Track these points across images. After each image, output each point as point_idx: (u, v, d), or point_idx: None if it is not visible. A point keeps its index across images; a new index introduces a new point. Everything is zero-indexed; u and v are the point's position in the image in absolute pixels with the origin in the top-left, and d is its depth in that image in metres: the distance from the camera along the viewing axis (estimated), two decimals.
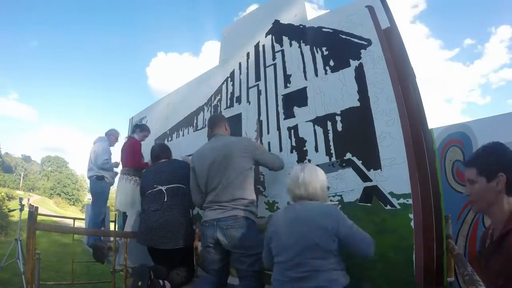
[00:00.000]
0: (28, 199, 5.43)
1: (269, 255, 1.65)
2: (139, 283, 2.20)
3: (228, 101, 3.13)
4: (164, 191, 2.38)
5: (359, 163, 2.02)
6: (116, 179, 3.97)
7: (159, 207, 2.35)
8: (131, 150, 3.49)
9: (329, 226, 1.44)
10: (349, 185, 2.04)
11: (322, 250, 1.44)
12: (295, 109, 2.46)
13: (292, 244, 1.49)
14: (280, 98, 2.61)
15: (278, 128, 2.55)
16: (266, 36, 2.89)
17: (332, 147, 2.18)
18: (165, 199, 2.36)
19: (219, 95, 3.27)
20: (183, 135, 3.69)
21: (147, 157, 3.41)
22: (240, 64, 3.11)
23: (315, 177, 1.64)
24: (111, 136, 4.49)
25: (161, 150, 2.75)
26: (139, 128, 3.76)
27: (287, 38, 2.69)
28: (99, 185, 4.15)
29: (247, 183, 2.06)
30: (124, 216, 3.64)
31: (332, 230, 1.44)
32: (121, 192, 3.33)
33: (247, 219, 1.99)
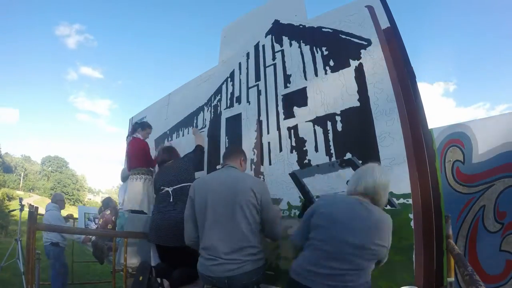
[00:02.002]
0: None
1: (306, 233, 1.58)
2: (140, 278, 2.25)
3: (228, 101, 3.13)
4: (170, 192, 2.50)
5: (359, 163, 2.02)
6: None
7: (166, 207, 2.49)
8: (143, 153, 3.40)
9: (387, 240, 1.48)
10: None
11: (372, 255, 1.45)
12: (295, 109, 2.46)
13: (344, 239, 1.43)
14: (280, 98, 2.61)
15: (278, 128, 2.55)
16: (266, 36, 2.89)
17: (332, 147, 2.18)
18: (171, 199, 2.49)
19: (219, 95, 3.27)
20: (183, 135, 3.69)
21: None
22: (240, 64, 3.11)
23: (387, 182, 1.56)
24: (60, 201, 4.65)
25: (165, 154, 2.82)
26: (140, 126, 3.67)
27: (287, 38, 2.70)
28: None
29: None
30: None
31: (385, 242, 1.47)
32: (134, 191, 3.29)
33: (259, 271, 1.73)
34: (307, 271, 1.46)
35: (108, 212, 4.48)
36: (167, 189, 2.52)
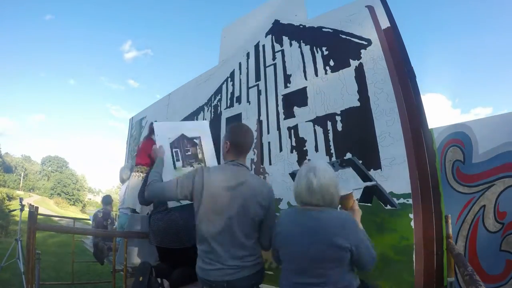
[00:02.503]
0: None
1: (276, 253, 1.58)
2: (140, 278, 2.24)
3: (228, 101, 3.13)
4: None
5: (359, 163, 2.02)
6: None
7: (168, 208, 2.43)
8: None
9: (346, 241, 1.34)
10: (349, 185, 2.03)
11: (336, 261, 1.36)
12: (295, 109, 2.46)
13: (304, 253, 1.38)
14: (280, 98, 2.61)
15: (278, 128, 2.55)
16: (266, 36, 2.89)
17: (332, 147, 2.18)
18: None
19: (219, 95, 3.27)
20: None
21: None
22: (240, 64, 3.11)
23: (330, 181, 1.42)
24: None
25: None
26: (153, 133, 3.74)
27: (287, 38, 2.70)
28: None
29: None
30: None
31: (349, 244, 1.34)
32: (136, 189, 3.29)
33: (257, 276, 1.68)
34: (285, 286, 1.47)
35: (100, 214, 4.48)
36: None
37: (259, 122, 2.73)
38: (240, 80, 3.07)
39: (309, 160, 2.27)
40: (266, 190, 1.68)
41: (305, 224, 1.41)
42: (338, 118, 2.19)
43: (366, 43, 2.14)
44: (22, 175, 60.36)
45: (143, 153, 3.36)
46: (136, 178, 3.32)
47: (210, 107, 3.37)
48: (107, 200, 5.04)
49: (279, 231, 1.52)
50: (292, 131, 2.44)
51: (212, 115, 3.30)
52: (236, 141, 1.71)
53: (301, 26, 2.61)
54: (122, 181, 3.95)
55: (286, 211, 1.63)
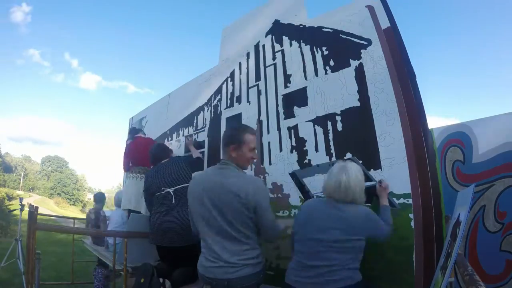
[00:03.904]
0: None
1: (292, 237, 1.76)
2: (142, 280, 2.23)
3: (228, 101, 3.13)
4: (172, 193, 2.44)
5: (359, 163, 2.02)
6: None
7: (167, 208, 2.43)
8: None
9: (363, 233, 1.56)
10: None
11: (350, 248, 1.54)
12: (295, 109, 2.46)
13: (320, 236, 1.56)
14: (280, 98, 2.61)
15: (278, 128, 2.55)
16: (266, 36, 2.89)
17: (332, 147, 2.18)
18: (173, 201, 2.42)
19: (219, 95, 3.27)
20: (183, 135, 3.69)
21: None
22: (240, 64, 3.11)
23: (357, 181, 1.62)
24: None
25: (160, 152, 2.74)
26: (141, 132, 3.75)
27: (287, 38, 2.70)
28: None
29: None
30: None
31: (364, 236, 1.57)
32: (133, 191, 3.28)
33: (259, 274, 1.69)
34: (294, 274, 1.61)
35: (92, 216, 4.41)
36: (168, 190, 2.46)
37: (259, 122, 2.73)
38: (240, 80, 3.07)
39: (309, 160, 2.27)
40: (252, 187, 1.64)
41: (328, 211, 1.61)
42: (338, 118, 2.19)
43: (366, 43, 2.14)
44: (22, 175, 60.35)
45: (141, 153, 3.35)
46: (136, 179, 3.32)
47: (210, 107, 3.37)
48: (99, 197, 4.82)
49: (299, 215, 1.72)
50: (292, 131, 2.44)
51: (212, 115, 3.30)
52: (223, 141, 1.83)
53: (301, 26, 2.61)
54: (118, 204, 3.92)
55: (311, 200, 1.87)
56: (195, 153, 3.02)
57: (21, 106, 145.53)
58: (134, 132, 3.72)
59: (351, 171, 1.63)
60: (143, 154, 3.14)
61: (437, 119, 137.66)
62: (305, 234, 1.63)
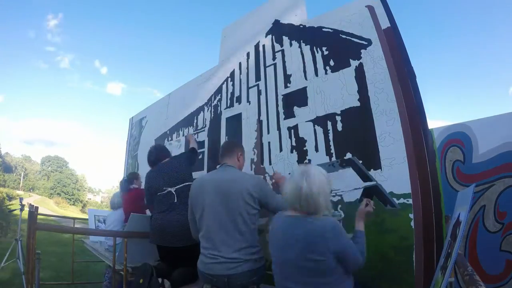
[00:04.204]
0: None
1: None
2: (141, 281, 2.23)
3: (228, 101, 3.13)
4: (174, 192, 2.44)
5: (359, 163, 2.02)
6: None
7: (169, 208, 2.43)
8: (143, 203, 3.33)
9: (330, 248, 1.29)
10: (349, 185, 2.04)
11: (324, 270, 1.32)
12: (295, 109, 2.46)
13: (290, 261, 1.36)
14: (280, 98, 2.61)
15: (278, 128, 2.55)
16: (266, 36, 2.89)
17: (332, 147, 2.18)
18: (175, 200, 2.42)
19: (219, 95, 3.27)
20: (183, 135, 3.69)
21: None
22: (240, 64, 3.11)
23: (319, 189, 1.36)
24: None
25: (159, 152, 2.75)
26: (134, 177, 3.68)
27: (287, 38, 2.70)
28: None
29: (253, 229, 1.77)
30: None
31: (333, 251, 1.30)
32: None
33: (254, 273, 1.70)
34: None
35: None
36: (169, 189, 2.45)
37: (259, 122, 2.73)
38: (240, 80, 3.07)
39: (309, 160, 2.27)
40: (255, 180, 1.83)
41: (291, 232, 1.38)
42: (338, 118, 2.19)
43: (366, 43, 2.14)
44: (22, 175, 60.36)
45: (138, 207, 3.24)
46: None
47: (210, 107, 3.37)
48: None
49: (269, 238, 1.52)
50: (292, 131, 2.44)
51: (212, 115, 3.30)
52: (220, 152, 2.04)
53: (301, 26, 2.61)
54: (113, 206, 3.89)
55: (276, 218, 1.57)
56: (192, 144, 2.99)
57: (35, 109, 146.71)
58: (130, 182, 3.62)
59: (313, 176, 1.38)
60: (138, 207, 3.22)
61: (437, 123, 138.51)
62: (278, 259, 1.44)
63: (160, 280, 2.29)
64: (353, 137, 2.09)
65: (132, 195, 3.45)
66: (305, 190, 1.35)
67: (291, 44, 2.64)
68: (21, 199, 4.93)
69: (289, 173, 1.77)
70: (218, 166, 2.00)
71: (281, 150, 2.49)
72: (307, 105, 2.39)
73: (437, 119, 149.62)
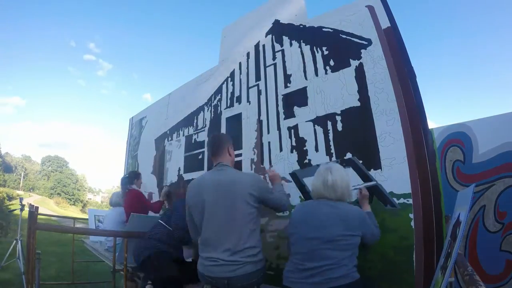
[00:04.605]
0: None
1: (288, 240, 1.75)
2: None
3: (228, 101, 3.13)
4: None
5: (359, 163, 2.02)
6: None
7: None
8: (141, 205, 3.37)
9: (355, 230, 1.57)
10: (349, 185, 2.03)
11: (345, 245, 1.54)
12: (295, 109, 2.46)
13: (316, 236, 1.56)
14: (280, 98, 2.61)
15: (278, 128, 2.55)
16: (266, 36, 2.89)
17: (332, 147, 2.18)
18: None
19: (219, 94, 3.27)
20: (183, 135, 3.69)
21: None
22: (240, 63, 3.11)
23: (344, 179, 1.69)
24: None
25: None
26: (135, 177, 3.65)
27: (287, 37, 2.69)
28: None
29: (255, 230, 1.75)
30: None
31: (358, 232, 1.57)
32: None
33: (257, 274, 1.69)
34: (293, 275, 1.58)
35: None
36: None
37: (259, 122, 2.73)
38: (240, 80, 3.07)
39: (309, 160, 2.27)
40: (251, 178, 1.84)
41: (323, 209, 1.63)
42: (338, 118, 2.19)
43: (366, 43, 2.14)
44: (22, 175, 60.36)
45: (136, 209, 3.21)
46: None
47: (210, 107, 3.37)
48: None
49: (294, 216, 1.72)
50: (292, 131, 2.44)
51: (212, 115, 3.30)
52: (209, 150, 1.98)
53: (301, 26, 2.61)
54: (112, 205, 3.89)
55: (302, 203, 1.86)
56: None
57: (58, 113, 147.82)
58: (130, 181, 3.57)
59: (336, 171, 1.70)
60: (136, 208, 3.20)
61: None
62: (301, 234, 1.63)
63: None
64: (353, 137, 2.09)
65: (131, 197, 3.43)
66: (332, 181, 1.66)
67: (291, 44, 2.64)
68: (21, 199, 4.93)
69: (316, 167, 1.91)
70: (214, 165, 1.92)
71: (281, 150, 2.49)
72: (307, 105, 2.39)
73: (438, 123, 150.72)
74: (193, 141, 3.49)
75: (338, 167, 1.75)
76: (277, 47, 2.76)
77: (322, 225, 1.57)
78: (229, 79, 3.19)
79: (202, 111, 3.47)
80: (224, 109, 3.15)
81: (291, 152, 2.41)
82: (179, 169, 3.59)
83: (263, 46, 2.90)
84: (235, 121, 2.95)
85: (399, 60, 1.97)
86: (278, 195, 1.91)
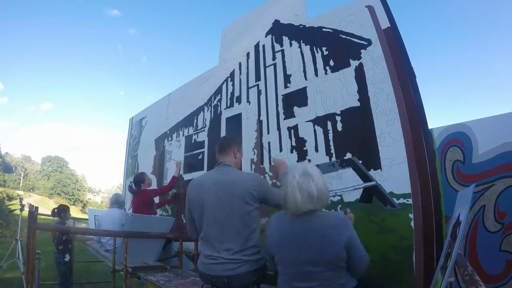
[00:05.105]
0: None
1: (272, 260, 1.53)
2: None
3: (228, 101, 3.13)
4: None
5: (359, 163, 2.02)
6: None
7: None
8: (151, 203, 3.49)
9: (343, 239, 1.31)
10: (349, 185, 2.04)
11: (335, 264, 1.32)
12: (295, 109, 2.46)
13: (301, 257, 1.35)
14: (280, 98, 2.61)
15: (278, 128, 2.55)
16: (266, 36, 2.89)
17: (332, 147, 2.18)
18: None
19: (219, 95, 3.27)
20: (183, 135, 3.69)
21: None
22: (240, 64, 3.11)
23: (324, 186, 1.39)
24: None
25: None
26: (141, 180, 3.57)
27: (287, 38, 2.70)
28: None
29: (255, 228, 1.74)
30: None
31: (345, 242, 1.31)
32: None
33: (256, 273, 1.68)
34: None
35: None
36: None
37: (259, 122, 2.73)
38: (240, 80, 3.07)
39: (309, 160, 2.27)
40: (251, 177, 1.80)
41: (297, 227, 1.38)
42: (338, 118, 2.19)
43: (366, 43, 2.14)
44: (22, 175, 60.35)
45: (144, 204, 3.35)
46: None
47: (210, 107, 3.37)
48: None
49: (272, 234, 1.48)
50: (292, 131, 2.44)
51: (212, 115, 3.30)
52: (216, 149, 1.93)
53: (301, 26, 2.61)
54: (113, 203, 3.88)
55: (277, 217, 1.54)
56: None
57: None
58: (139, 182, 3.53)
59: (316, 175, 1.39)
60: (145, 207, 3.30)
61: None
62: (287, 255, 1.41)
63: None
64: (353, 137, 2.09)
65: (142, 196, 3.44)
66: (313, 190, 1.34)
67: (291, 44, 2.64)
68: (21, 199, 4.93)
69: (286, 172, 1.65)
70: (216, 165, 1.95)
71: (281, 150, 2.49)
72: (307, 105, 2.39)
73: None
74: (193, 141, 3.49)
75: (314, 168, 1.43)
76: (277, 47, 2.76)
77: (302, 245, 1.35)
78: (229, 79, 3.19)
79: (202, 111, 3.47)
80: (224, 109, 3.15)
81: (291, 152, 2.41)
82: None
83: (263, 46, 2.90)
84: (235, 121, 2.95)
85: (399, 60, 1.98)
86: (278, 192, 1.74)
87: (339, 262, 1.33)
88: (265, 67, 2.83)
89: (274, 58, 2.76)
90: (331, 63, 2.32)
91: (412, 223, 1.75)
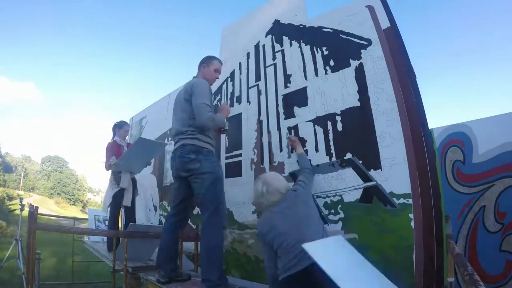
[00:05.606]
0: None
1: (273, 254, 1.66)
2: None
3: (228, 101, 3.13)
4: None
5: (359, 163, 2.02)
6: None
7: None
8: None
9: (310, 200, 1.83)
10: (349, 185, 2.04)
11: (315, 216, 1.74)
12: (295, 109, 2.46)
13: (290, 228, 1.63)
14: (280, 98, 2.61)
15: (278, 128, 2.55)
16: (266, 36, 2.89)
17: (332, 147, 2.18)
18: None
19: (219, 95, 3.27)
20: None
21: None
22: (240, 64, 3.11)
23: (276, 179, 1.84)
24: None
25: None
26: (117, 127, 3.72)
27: (287, 38, 2.69)
28: None
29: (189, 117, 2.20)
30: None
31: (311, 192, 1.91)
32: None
33: (192, 146, 2.14)
34: (292, 263, 1.52)
35: None
36: None
37: (259, 122, 2.73)
38: (240, 80, 3.07)
39: (309, 160, 2.27)
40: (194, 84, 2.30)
41: (286, 216, 1.68)
42: (338, 118, 2.19)
43: (366, 43, 2.14)
44: (22, 175, 60.34)
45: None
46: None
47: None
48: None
49: (264, 232, 1.71)
50: (292, 131, 2.44)
51: None
52: None
53: (301, 26, 2.61)
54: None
55: (264, 218, 1.80)
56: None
57: None
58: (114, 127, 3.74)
59: (268, 181, 1.81)
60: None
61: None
62: (288, 243, 1.57)
63: None
64: (353, 137, 2.09)
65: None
66: (268, 190, 1.78)
67: (291, 44, 2.64)
68: (21, 199, 4.93)
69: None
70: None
71: (281, 150, 2.49)
72: (307, 105, 2.39)
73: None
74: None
75: (269, 177, 1.85)
76: (277, 47, 2.76)
77: (297, 226, 1.63)
78: (229, 79, 3.19)
79: None
80: None
81: (291, 152, 2.41)
82: None
83: (263, 46, 2.90)
84: (235, 121, 2.95)
85: (399, 60, 1.98)
86: (199, 107, 2.16)
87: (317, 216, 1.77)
88: (265, 67, 2.83)
89: (274, 58, 2.76)
90: (331, 63, 2.32)
91: (412, 223, 1.75)
